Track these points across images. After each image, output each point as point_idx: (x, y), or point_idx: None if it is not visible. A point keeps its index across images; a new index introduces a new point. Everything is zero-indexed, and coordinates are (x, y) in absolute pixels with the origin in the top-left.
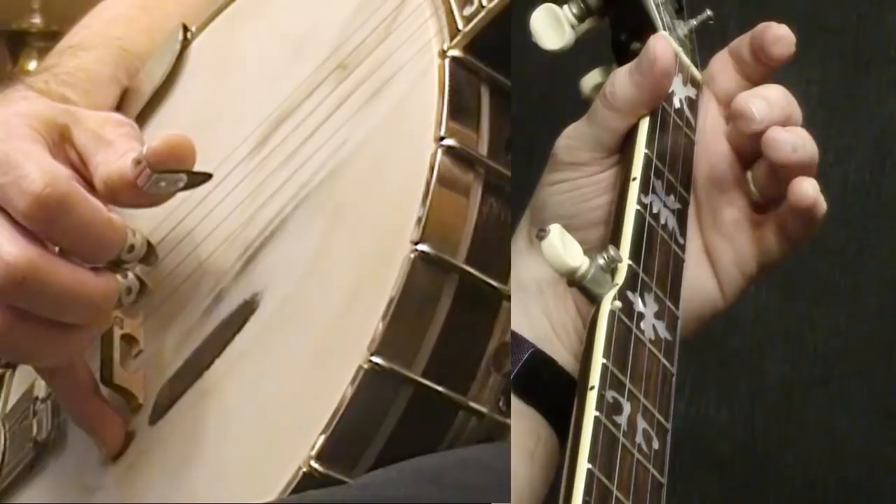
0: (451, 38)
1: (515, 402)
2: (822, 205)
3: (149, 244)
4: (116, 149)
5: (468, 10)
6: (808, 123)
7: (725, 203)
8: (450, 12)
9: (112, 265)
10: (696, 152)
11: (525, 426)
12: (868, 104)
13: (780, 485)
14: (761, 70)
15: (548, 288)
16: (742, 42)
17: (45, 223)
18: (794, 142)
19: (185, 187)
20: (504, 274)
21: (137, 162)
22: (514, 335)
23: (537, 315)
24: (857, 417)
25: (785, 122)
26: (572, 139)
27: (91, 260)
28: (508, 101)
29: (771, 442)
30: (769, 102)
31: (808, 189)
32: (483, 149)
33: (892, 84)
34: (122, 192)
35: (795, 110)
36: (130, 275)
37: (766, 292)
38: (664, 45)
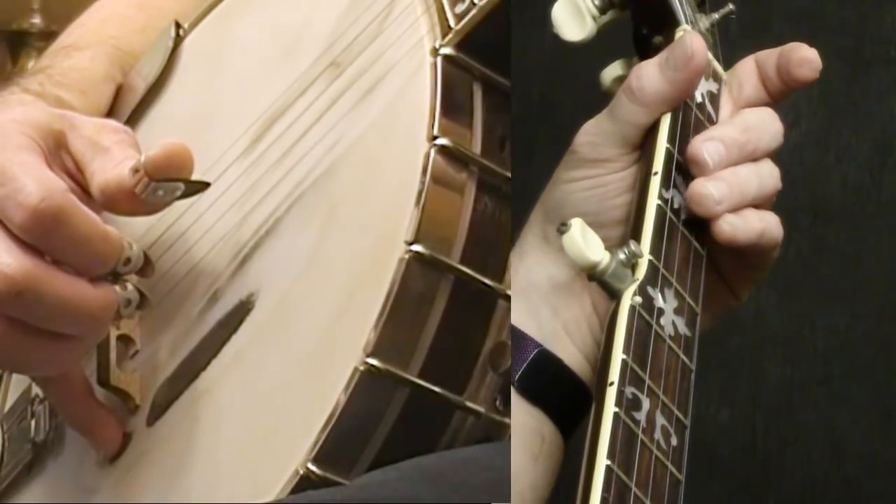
0: (443, 36)
1: (519, 401)
2: (745, 236)
3: (146, 256)
4: (113, 156)
5: (459, 8)
6: (809, 123)
7: None
8: (441, 10)
9: (109, 277)
10: None
11: (529, 426)
12: (868, 104)
13: (780, 485)
14: (783, 88)
15: (560, 285)
16: (769, 57)
17: (41, 236)
18: (718, 194)
19: (183, 196)
20: (500, 273)
21: (135, 170)
22: (519, 333)
23: (546, 314)
24: (857, 417)
25: (742, 160)
26: (594, 135)
27: (86, 272)
28: (501, 99)
29: (771, 442)
30: (725, 144)
31: (722, 229)
32: (476, 147)
33: (892, 84)
34: (120, 201)
35: (761, 138)
36: (130, 286)
37: (766, 292)
38: (700, 41)
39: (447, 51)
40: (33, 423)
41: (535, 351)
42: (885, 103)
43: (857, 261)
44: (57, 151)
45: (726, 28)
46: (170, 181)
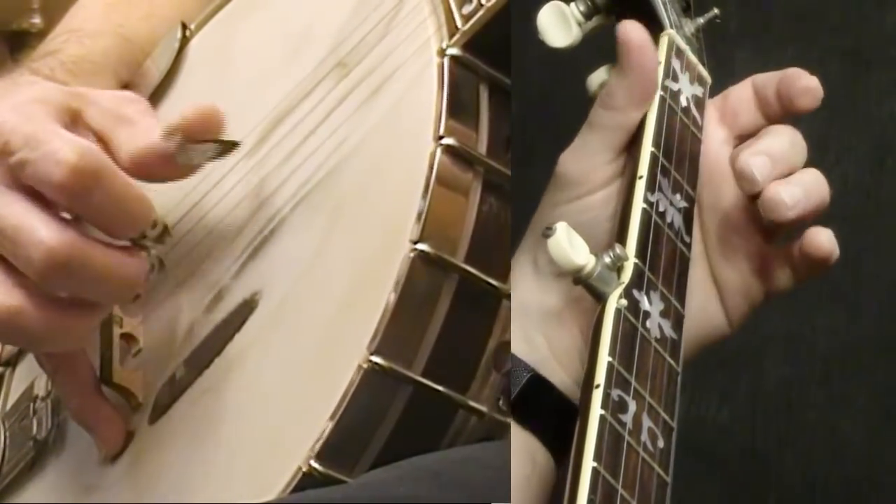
0: (450, 37)
1: (513, 426)
2: (836, 252)
3: (164, 225)
4: (139, 125)
5: (467, 9)
6: (808, 123)
7: (735, 234)
8: (448, 11)
9: (135, 242)
10: (707, 181)
11: (521, 450)
12: (868, 104)
13: (780, 485)
14: (782, 115)
15: (551, 315)
16: (768, 82)
17: (79, 195)
18: (791, 199)
19: (215, 157)
20: (504, 273)
21: (169, 133)
22: (514, 358)
23: (538, 339)
24: (857, 417)
25: (788, 173)
26: (576, 151)
27: (119, 235)
28: (508, 100)
29: (771, 442)
30: (771, 158)
31: (822, 241)
32: (482, 147)
33: (892, 84)
34: (154, 166)
35: (798, 155)
36: (153, 252)
37: None
38: (634, 26)
39: (454, 51)
40: (35, 421)
41: (528, 376)
42: (885, 103)
43: (857, 261)
44: (74, 127)
45: (726, 28)
46: (203, 142)
